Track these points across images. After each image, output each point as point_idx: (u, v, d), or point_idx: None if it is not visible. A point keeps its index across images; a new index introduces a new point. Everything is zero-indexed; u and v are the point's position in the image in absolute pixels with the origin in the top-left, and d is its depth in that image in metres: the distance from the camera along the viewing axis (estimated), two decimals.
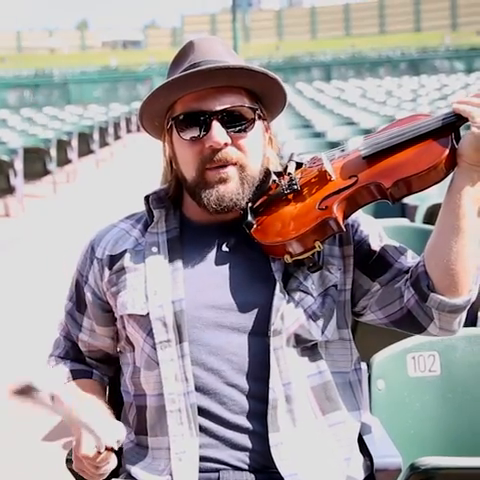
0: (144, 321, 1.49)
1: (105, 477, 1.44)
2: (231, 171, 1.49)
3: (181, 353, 1.46)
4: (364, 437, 1.60)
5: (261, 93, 1.54)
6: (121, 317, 1.54)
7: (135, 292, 1.51)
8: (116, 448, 1.38)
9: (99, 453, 1.35)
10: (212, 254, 1.53)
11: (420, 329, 1.51)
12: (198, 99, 1.49)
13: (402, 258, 1.54)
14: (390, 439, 1.64)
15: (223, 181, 1.49)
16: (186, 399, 1.44)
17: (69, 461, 1.55)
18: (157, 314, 1.48)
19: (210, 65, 1.46)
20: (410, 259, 1.54)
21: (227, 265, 1.52)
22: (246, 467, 1.44)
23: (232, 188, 1.49)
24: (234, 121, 1.50)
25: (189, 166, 1.51)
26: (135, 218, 1.63)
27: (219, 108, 1.48)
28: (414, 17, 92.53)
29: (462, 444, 1.85)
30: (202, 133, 1.48)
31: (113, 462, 1.42)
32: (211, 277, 1.50)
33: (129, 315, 1.51)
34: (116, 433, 1.38)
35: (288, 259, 1.46)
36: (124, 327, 1.54)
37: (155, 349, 1.47)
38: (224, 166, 1.49)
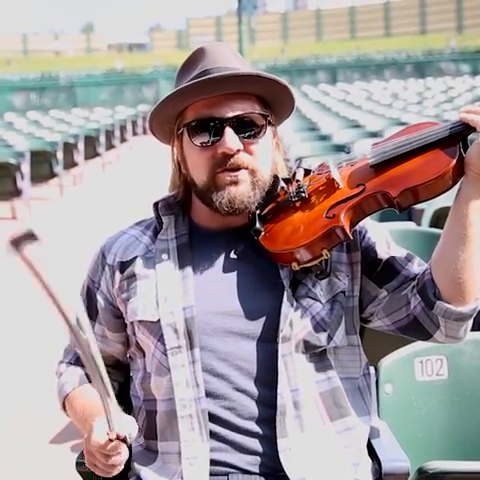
0: (155, 327, 1.50)
1: (116, 472, 1.40)
2: (243, 175, 1.50)
3: (192, 359, 1.47)
4: (372, 441, 1.60)
5: (270, 99, 1.55)
6: (131, 323, 1.55)
7: (145, 299, 1.52)
8: (128, 441, 1.34)
9: (110, 440, 1.32)
10: (221, 261, 1.54)
11: (426, 336, 1.52)
12: (210, 106, 1.50)
13: (409, 265, 1.55)
14: (398, 443, 1.65)
15: (234, 183, 1.49)
16: (197, 405, 1.45)
17: (79, 464, 1.55)
18: (168, 320, 1.49)
19: (222, 72, 1.47)
20: (417, 266, 1.55)
21: (235, 272, 1.53)
22: (255, 471, 1.45)
23: (243, 190, 1.50)
24: (246, 127, 1.51)
25: (200, 171, 1.52)
26: (144, 225, 1.64)
27: (231, 115, 1.49)
28: (420, 19, 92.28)
29: (470, 448, 1.86)
30: (215, 139, 1.49)
31: (124, 454, 1.36)
32: (220, 284, 1.51)
33: (139, 321, 1.52)
34: (129, 426, 1.34)
35: (296, 266, 1.47)
36: (134, 333, 1.55)
37: (166, 355, 1.48)
38: (236, 170, 1.50)
